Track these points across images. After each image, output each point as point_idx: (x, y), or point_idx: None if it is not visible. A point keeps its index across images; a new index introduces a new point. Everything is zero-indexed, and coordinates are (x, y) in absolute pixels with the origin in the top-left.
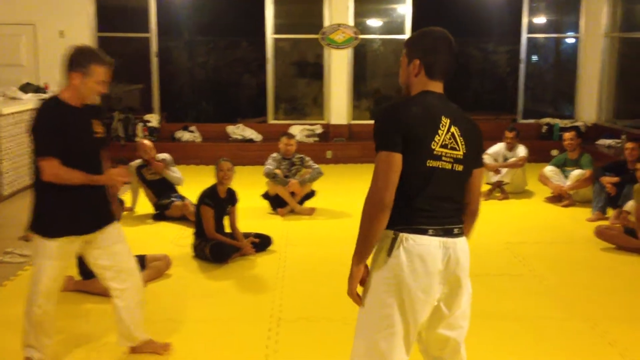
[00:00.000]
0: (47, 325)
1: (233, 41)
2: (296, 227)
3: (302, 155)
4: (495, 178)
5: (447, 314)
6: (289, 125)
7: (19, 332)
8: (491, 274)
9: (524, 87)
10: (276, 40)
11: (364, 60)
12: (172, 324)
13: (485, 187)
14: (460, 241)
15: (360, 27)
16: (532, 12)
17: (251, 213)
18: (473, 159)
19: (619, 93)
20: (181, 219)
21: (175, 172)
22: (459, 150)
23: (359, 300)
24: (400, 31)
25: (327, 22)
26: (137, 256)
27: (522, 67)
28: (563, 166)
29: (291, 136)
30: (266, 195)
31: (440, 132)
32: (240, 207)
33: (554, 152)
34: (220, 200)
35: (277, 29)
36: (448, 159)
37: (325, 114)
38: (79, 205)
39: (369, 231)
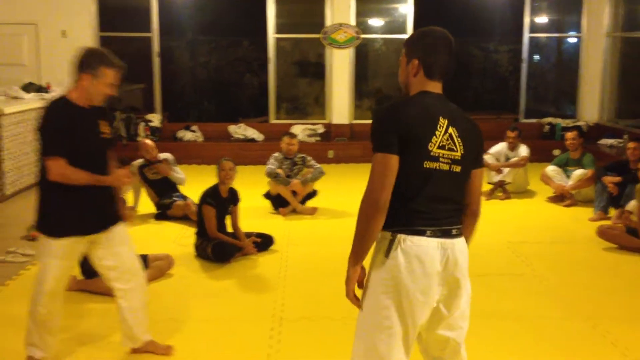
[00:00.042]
0: (52, 324)
1: (235, 41)
2: (298, 226)
3: (303, 155)
4: (497, 178)
5: (447, 315)
6: (291, 124)
7: (22, 330)
8: (492, 273)
9: (525, 86)
10: (278, 40)
11: (365, 59)
12: (174, 323)
13: (487, 187)
14: (459, 242)
15: (362, 26)
16: (534, 11)
17: (253, 213)
18: (472, 160)
19: (621, 93)
20: (183, 218)
21: (178, 172)
22: (457, 151)
23: (357, 302)
24: (402, 31)
25: (328, 22)
26: (139, 255)
27: (524, 66)
28: (565, 166)
29: (293, 136)
30: (268, 195)
31: (437, 133)
32: (242, 206)
33: (556, 152)
34: (222, 200)
35: (279, 29)
36: (445, 160)
37: (327, 113)
38: (85, 205)
39: (365, 232)
